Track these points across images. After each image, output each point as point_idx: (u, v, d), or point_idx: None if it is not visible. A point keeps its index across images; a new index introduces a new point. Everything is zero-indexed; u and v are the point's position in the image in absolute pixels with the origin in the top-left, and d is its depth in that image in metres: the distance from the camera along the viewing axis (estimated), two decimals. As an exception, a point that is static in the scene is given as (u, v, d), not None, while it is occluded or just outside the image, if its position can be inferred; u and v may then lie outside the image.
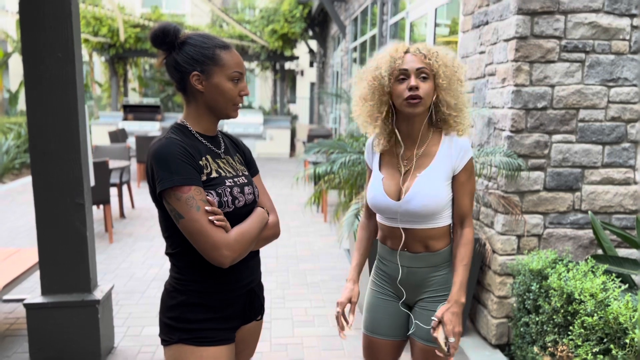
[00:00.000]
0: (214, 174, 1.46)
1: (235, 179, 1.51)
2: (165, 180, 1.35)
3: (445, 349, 1.62)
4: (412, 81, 1.61)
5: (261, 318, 1.68)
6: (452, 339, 1.62)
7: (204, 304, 1.48)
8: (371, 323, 1.86)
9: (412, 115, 1.66)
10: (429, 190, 1.66)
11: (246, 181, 1.55)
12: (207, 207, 1.37)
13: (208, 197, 1.40)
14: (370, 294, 1.89)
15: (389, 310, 1.83)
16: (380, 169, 1.79)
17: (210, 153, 1.49)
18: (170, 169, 1.35)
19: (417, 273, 1.75)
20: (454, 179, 1.71)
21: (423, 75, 1.63)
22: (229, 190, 1.46)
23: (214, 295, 1.49)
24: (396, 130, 1.74)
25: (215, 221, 1.36)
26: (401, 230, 1.73)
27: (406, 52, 1.67)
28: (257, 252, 1.62)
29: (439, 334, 1.65)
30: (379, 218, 1.83)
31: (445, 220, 1.73)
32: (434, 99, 1.67)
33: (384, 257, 1.84)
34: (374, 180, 1.78)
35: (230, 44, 1.49)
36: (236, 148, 1.64)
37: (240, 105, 1.52)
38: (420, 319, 1.75)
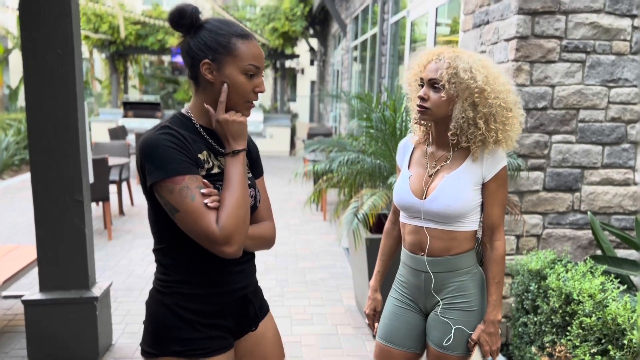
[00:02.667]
0: (216, 170, 1.36)
1: None
2: (155, 172, 1.24)
3: None
4: (421, 91, 1.65)
5: (255, 329, 1.53)
6: (489, 359, 1.65)
7: (193, 309, 1.36)
8: (386, 331, 1.83)
9: (422, 122, 1.73)
10: (454, 192, 1.64)
11: (248, 182, 1.42)
12: (202, 190, 1.25)
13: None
14: (389, 301, 1.88)
15: (407, 319, 1.80)
16: (409, 167, 1.79)
17: (211, 150, 1.38)
18: (160, 159, 1.24)
19: (438, 278, 1.72)
20: (484, 186, 1.67)
21: (435, 85, 1.62)
22: None
23: (203, 299, 1.37)
24: (430, 132, 1.76)
25: (209, 203, 1.25)
26: (425, 230, 1.71)
27: (433, 59, 1.67)
28: (253, 257, 1.50)
29: (475, 356, 1.65)
30: (402, 218, 1.81)
31: (470, 225, 1.70)
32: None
33: (404, 263, 1.82)
34: (401, 177, 1.79)
35: (250, 34, 1.35)
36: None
37: (254, 103, 1.38)
38: (435, 325, 1.73)
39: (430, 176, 1.72)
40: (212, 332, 1.38)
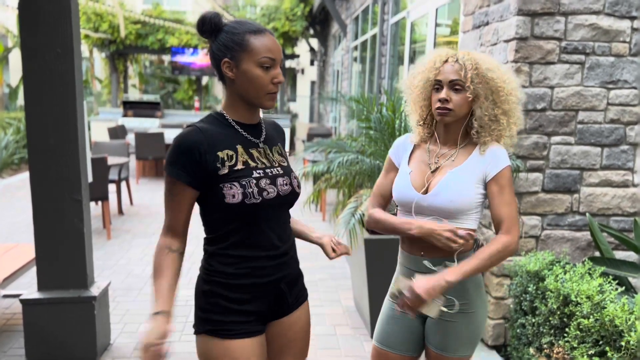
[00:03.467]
0: (240, 166, 1.44)
1: (267, 170, 1.48)
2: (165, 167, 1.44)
3: (396, 295, 1.56)
4: (443, 93, 1.66)
5: (287, 316, 1.60)
6: (406, 292, 1.52)
7: (227, 296, 1.47)
8: (383, 335, 1.82)
9: (444, 123, 1.72)
10: (457, 186, 1.64)
11: (281, 172, 1.52)
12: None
13: (232, 190, 1.41)
14: (386, 304, 1.86)
15: (404, 323, 1.78)
16: (408, 164, 1.79)
17: (243, 142, 1.47)
18: (171, 157, 1.41)
19: None
20: (487, 186, 1.66)
21: (457, 87, 1.64)
22: (254, 181, 1.43)
23: (237, 288, 1.47)
24: (435, 133, 1.78)
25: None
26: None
27: (446, 61, 1.68)
28: (290, 249, 1.60)
29: (401, 282, 1.57)
30: (401, 216, 1.79)
31: (470, 223, 1.68)
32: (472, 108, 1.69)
33: (403, 265, 1.79)
34: (401, 174, 1.77)
35: (264, 29, 1.44)
36: (279, 136, 1.63)
37: (277, 93, 1.47)
38: (435, 328, 1.72)
39: (432, 172, 1.71)
40: (243, 317, 1.49)
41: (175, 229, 1.46)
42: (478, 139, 1.70)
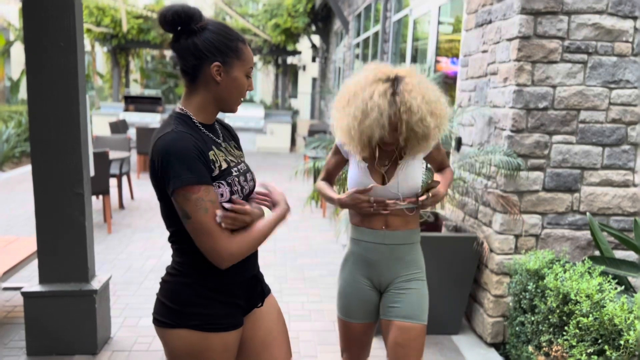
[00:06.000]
0: (224, 165, 1.43)
1: (238, 167, 1.49)
2: (177, 178, 1.30)
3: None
4: (392, 138, 1.83)
5: (262, 305, 1.63)
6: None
7: (213, 288, 1.45)
8: (346, 309, 2.00)
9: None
10: (411, 174, 1.88)
11: (246, 167, 1.56)
12: (226, 205, 1.37)
13: (220, 189, 1.39)
14: (343, 281, 2.01)
15: (362, 296, 1.96)
16: (363, 159, 1.93)
17: (213, 144, 1.46)
18: (183, 166, 1.30)
19: (397, 250, 1.90)
20: (429, 155, 1.99)
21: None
22: (237, 179, 1.45)
23: (221, 279, 1.45)
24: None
25: (222, 223, 1.34)
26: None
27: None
28: None
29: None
30: None
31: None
32: None
33: (361, 240, 1.94)
34: (359, 169, 1.93)
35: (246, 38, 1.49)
36: (229, 134, 1.61)
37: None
38: (397, 300, 1.89)
39: (387, 164, 1.89)
40: (229, 310, 1.49)
41: None
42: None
